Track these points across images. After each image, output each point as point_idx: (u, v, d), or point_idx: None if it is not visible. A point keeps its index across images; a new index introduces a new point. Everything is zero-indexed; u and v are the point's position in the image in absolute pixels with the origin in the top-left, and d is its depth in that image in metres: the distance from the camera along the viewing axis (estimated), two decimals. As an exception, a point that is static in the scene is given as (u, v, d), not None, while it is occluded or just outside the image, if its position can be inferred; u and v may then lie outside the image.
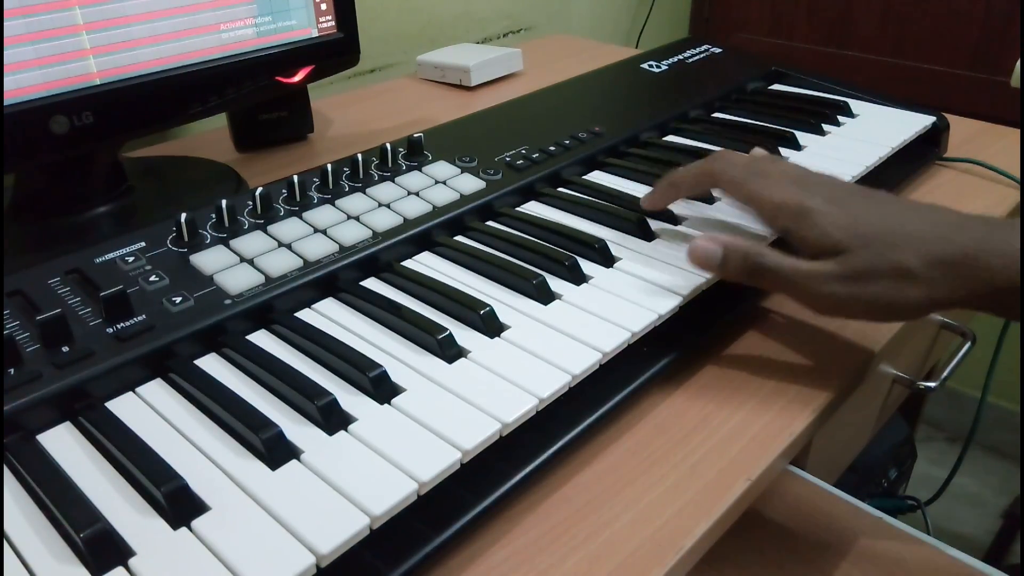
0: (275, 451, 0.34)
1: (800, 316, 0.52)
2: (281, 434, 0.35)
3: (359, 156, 0.55)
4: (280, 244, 0.47)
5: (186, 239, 0.47)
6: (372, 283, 0.48)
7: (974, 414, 0.89)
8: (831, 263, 0.42)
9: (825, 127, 0.69)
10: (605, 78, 0.79)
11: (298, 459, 0.35)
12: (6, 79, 0.49)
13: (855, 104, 0.74)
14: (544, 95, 0.73)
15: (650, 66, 0.81)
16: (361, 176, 0.55)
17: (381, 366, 0.39)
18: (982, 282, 0.39)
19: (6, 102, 0.49)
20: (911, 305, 0.40)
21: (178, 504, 0.32)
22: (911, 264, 0.40)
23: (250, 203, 0.50)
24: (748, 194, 0.47)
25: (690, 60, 0.83)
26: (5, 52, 0.48)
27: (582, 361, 0.40)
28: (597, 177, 0.61)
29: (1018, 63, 1.12)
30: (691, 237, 0.52)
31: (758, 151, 0.55)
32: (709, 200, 0.57)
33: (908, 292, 0.40)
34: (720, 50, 0.86)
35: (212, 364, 0.41)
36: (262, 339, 0.43)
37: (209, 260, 0.45)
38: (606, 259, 0.49)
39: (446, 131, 0.64)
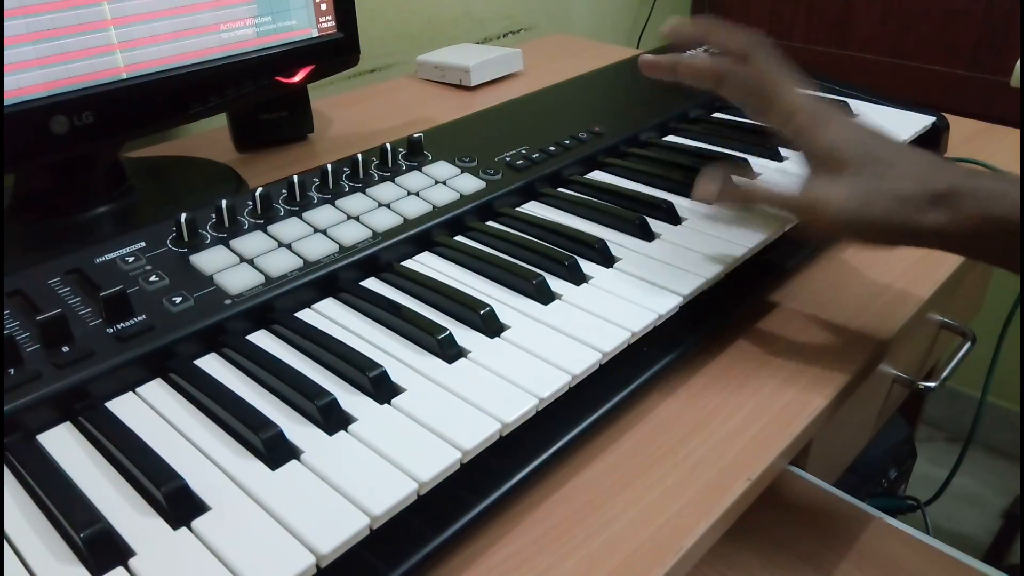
0: (275, 451, 0.34)
1: (800, 317, 0.52)
2: (281, 434, 0.35)
3: (359, 156, 0.55)
4: (280, 244, 0.47)
5: (186, 239, 0.47)
6: (372, 283, 0.48)
7: (974, 414, 0.89)
8: (835, 185, 0.44)
9: (825, 127, 0.69)
10: (605, 78, 0.79)
11: (298, 459, 0.35)
12: (6, 79, 0.49)
13: (855, 104, 0.74)
14: (544, 95, 0.73)
15: (650, 66, 0.81)
16: (361, 176, 0.55)
17: (381, 366, 0.39)
18: (963, 215, 0.41)
19: (6, 102, 0.49)
20: (899, 230, 0.43)
21: (178, 504, 0.32)
22: (906, 189, 0.42)
23: (250, 203, 0.50)
24: (767, 89, 0.48)
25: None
26: (5, 52, 0.48)
27: (582, 361, 0.40)
28: (597, 177, 0.61)
29: (1018, 63, 1.12)
30: (691, 238, 0.52)
31: None
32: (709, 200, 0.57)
33: (900, 217, 0.42)
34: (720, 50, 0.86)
35: (212, 364, 0.41)
36: (262, 339, 0.43)
37: (209, 260, 0.45)
38: (606, 259, 0.49)
39: (446, 131, 0.64)
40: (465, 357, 0.41)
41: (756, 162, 0.63)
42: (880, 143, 0.45)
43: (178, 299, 0.42)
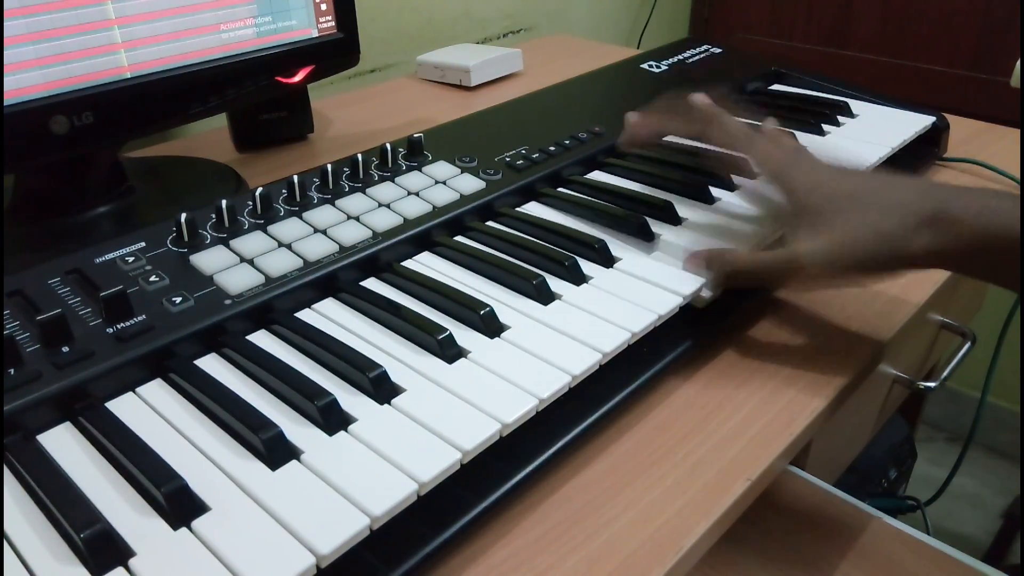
0: (275, 451, 0.34)
1: (800, 317, 0.52)
2: (281, 434, 0.35)
3: (359, 156, 0.55)
4: (280, 244, 0.47)
5: (186, 239, 0.47)
6: (372, 283, 0.48)
7: (974, 414, 0.89)
8: (804, 242, 0.44)
9: (825, 127, 0.69)
10: (605, 78, 0.79)
11: (298, 459, 0.35)
12: (6, 79, 0.49)
13: (855, 104, 0.74)
14: (544, 95, 0.73)
15: (650, 66, 0.81)
16: (361, 176, 0.55)
17: (381, 366, 0.39)
18: (954, 234, 0.41)
19: (6, 102, 0.49)
20: (890, 262, 0.43)
21: (178, 504, 0.32)
22: (889, 222, 0.42)
23: (250, 203, 0.50)
24: (740, 146, 0.50)
25: (690, 60, 0.83)
26: (5, 52, 0.48)
27: (582, 361, 0.40)
28: (597, 177, 0.61)
29: (1018, 63, 1.12)
30: (691, 238, 0.52)
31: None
32: (709, 200, 0.57)
33: (891, 247, 0.42)
34: (720, 50, 0.86)
35: (212, 364, 0.41)
36: (262, 339, 0.43)
37: (209, 260, 0.45)
38: (606, 259, 0.49)
39: (446, 131, 0.64)
40: (465, 357, 0.41)
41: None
42: (855, 181, 0.45)
43: (178, 299, 0.42)
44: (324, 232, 0.49)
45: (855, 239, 0.43)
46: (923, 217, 0.41)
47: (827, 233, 0.43)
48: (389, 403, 0.38)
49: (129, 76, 0.54)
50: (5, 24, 0.48)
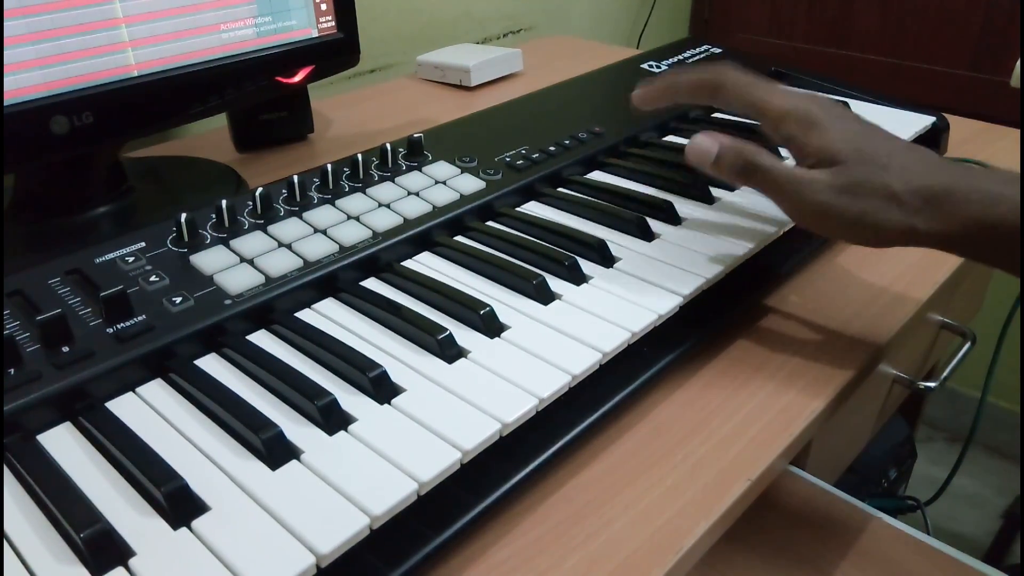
0: (275, 451, 0.34)
1: (800, 317, 0.52)
2: (281, 434, 0.35)
3: (359, 156, 0.55)
4: (280, 244, 0.47)
5: (186, 239, 0.47)
6: (372, 283, 0.48)
7: (974, 414, 0.89)
8: (825, 172, 0.43)
9: (825, 127, 0.69)
10: (605, 78, 0.79)
11: (298, 459, 0.35)
12: (6, 79, 0.49)
13: (855, 104, 0.74)
14: (544, 95, 0.73)
15: (650, 66, 0.81)
16: (361, 176, 0.55)
17: (381, 366, 0.39)
18: (958, 218, 0.41)
19: (6, 102, 0.49)
20: (891, 229, 0.42)
21: (178, 504, 0.32)
22: (897, 188, 0.42)
23: (250, 203, 0.50)
24: (755, 99, 0.48)
25: (690, 60, 0.83)
26: (5, 52, 0.48)
27: (582, 361, 0.40)
28: (597, 177, 0.61)
29: (1018, 63, 1.12)
30: (691, 238, 0.52)
31: None
32: (709, 200, 0.57)
33: (891, 215, 0.42)
34: (720, 50, 0.86)
35: (212, 364, 0.41)
36: (262, 339, 0.43)
37: (209, 260, 0.45)
38: (606, 259, 0.49)
39: (446, 131, 0.64)
40: (465, 357, 0.41)
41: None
42: (875, 140, 0.44)
43: (178, 299, 0.42)
44: (324, 232, 0.49)
45: (858, 193, 0.42)
46: (929, 192, 0.41)
47: (834, 177, 0.43)
48: (389, 403, 0.38)
49: (129, 76, 0.54)
50: (5, 24, 0.48)
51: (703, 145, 0.48)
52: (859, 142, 0.44)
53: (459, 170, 0.56)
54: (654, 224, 0.53)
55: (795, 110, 0.46)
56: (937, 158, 0.44)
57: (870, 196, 0.42)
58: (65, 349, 0.38)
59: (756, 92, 0.48)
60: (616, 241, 0.51)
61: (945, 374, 0.66)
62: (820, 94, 0.48)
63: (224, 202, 0.48)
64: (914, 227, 0.42)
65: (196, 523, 0.32)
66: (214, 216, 0.49)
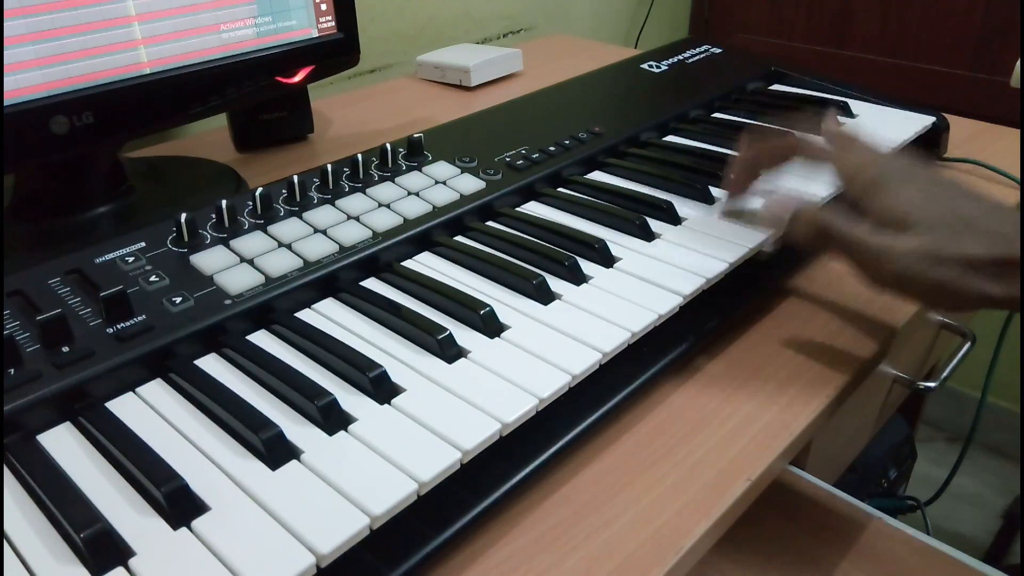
0: (275, 451, 0.34)
1: (800, 317, 0.52)
2: (281, 434, 0.35)
3: (359, 156, 0.55)
4: (280, 244, 0.47)
5: (186, 239, 0.47)
6: (372, 283, 0.48)
7: (974, 414, 0.89)
8: (900, 240, 0.42)
9: (825, 127, 0.69)
10: (605, 78, 0.79)
11: (298, 459, 0.35)
12: (6, 79, 0.49)
13: (855, 104, 0.74)
14: (544, 95, 0.73)
15: (650, 66, 0.81)
16: (361, 176, 0.55)
17: (381, 366, 0.39)
18: None
19: (6, 102, 0.49)
20: (968, 296, 0.41)
21: (178, 504, 0.32)
22: (977, 255, 0.40)
23: (250, 203, 0.50)
24: (831, 157, 0.47)
25: (690, 60, 0.83)
26: (5, 52, 0.48)
27: (582, 361, 0.40)
28: (597, 177, 0.61)
29: (1018, 63, 1.12)
30: (691, 238, 0.52)
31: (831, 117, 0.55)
32: (709, 200, 0.57)
33: (969, 283, 0.41)
34: (720, 50, 0.86)
35: (212, 364, 0.41)
36: (262, 339, 0.43)
37: (209, 260, 0.45)
38: (606, 259, 0.49)
39: (446, 131, 0.64)
40: (465, 357, 0.41)
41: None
42: (950, 204, 0.43)
43: (178, 299, 0.42)
44: (324, 232, 0.49)
45: (937, 262, 0.41)
46: (1004, 260, 0.40)
47: (916, 244, 0.41)
48: (389, 403, 0.38)
49: (129, 76, 0.54)
50: (5, 24, 0.48)
51: (776, 211, 0.47)
52: (930, 206, 0.42)
53: (459, 170, 0.56)
54: (654, 224, 0.53)
55: (863, 171, 0.45)
56: (1013, 215, 0.42)
57: (948, 264, 0.41)
58: (65, 349, 0.38)
59: (826, 153, 0.48)
60: (616, 241, 0.51)
61: (945, 374, 0.66)
62: (894, 152, 0.47)
63: (224, 202, 0.48)
64: (991, 295, 0.40)
65: (196, 523, 0.32)
66: (214, 216, 0.49)
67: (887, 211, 0.43)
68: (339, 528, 0.31)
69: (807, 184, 0.54)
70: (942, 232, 0.41)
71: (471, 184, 0.55)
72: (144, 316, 0.41)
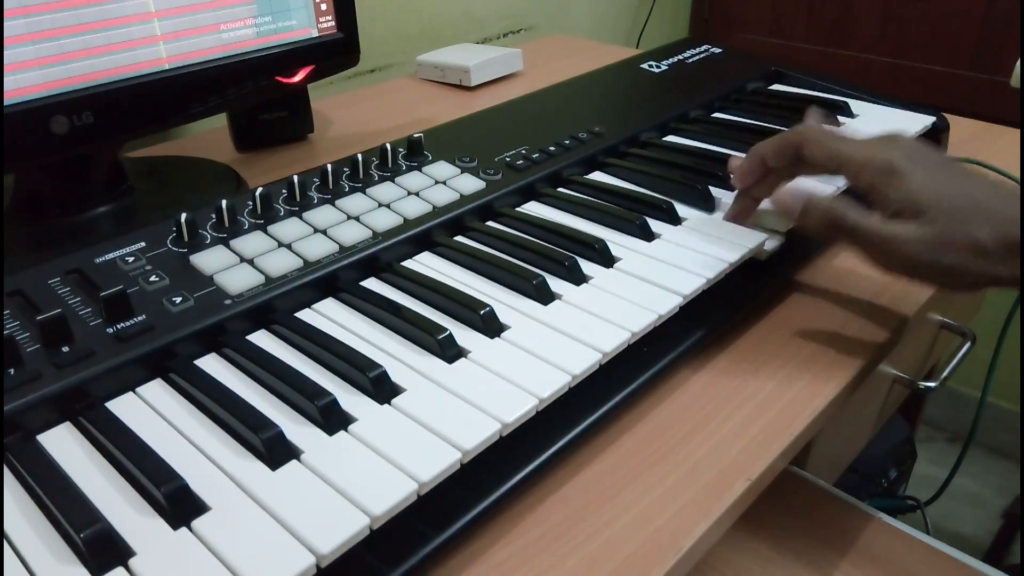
0: (275, 451, 0.34)
1: (799, 317, 0.52)
2: (281, 434, 0.35)
3: (359, 156, 0.55)
4: (280, 244, 0.47)
5: (186, 239, 0.47)
6: (372, 283, 0.48)
7: (974, 414, 0.89)
8: (910, 227, 0.43)
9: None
10: (605, 78, 0.79)
11: (298, 459, 0.35)
12: (6, 79, 0.49)
13: (855, 104, 0.74)
14: (544, 95, 0.73)
15: (650, 66, 0.81)
16: (361, 176, 0.55)
17: (381, 366, 0.39)
18: None
19: (6, 102, 0.49)
20: (978, 279, 0.42)
21: (178, 504, 0.32)
22: (985, 240, 0.41)
23: (250, 203, 0.50)
24: (835, 151, 0.47)
25: (690, 60, 0.83)
26: (5, 52, 0.48)
27: (582, 361, 0.40)
28: (597, 177, 0.61)
29: (1018, 63, 1.12)
30: (691, 238, 0.52)
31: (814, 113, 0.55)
32: (709, 200, 0.57)
33: (979, 266, 0.42)
34: (720, 50, 0.86)
35: (212, 364, 0.41)
36: (262, 339, 0.43)
37: (209, 260, 0.45)
38: (606, 259, 0.49)
39: (446, 131, 0.64)
40: (465, 357, 0.41)
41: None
42: (956, 186, 0.43)
43: (178, 299, 0.42)
44: (324, 232, 0.49)
45: (946, 247, 0.42)
46: (1015, 242, 0.40)
47: (924, 231, 0.42)
48: (389, 403, 0.38)
49: (129, 76, 0.54)
50: (5, 24, 0.48)
51: (787, 202, 0.48)
52: (940, 191, 0.43)
53: (459, 170, 0.56)
54: (654, 224, 0.53)
55: (874, 159, 0.45)
56: (1010, 193, 0.43)
57: (957, 249, 0.42)
58: (65, 349, 0.38)
59: (836, 144, 0.47)
60: (616, 241, 0.51)
61: (945, 374, 0.66)
62: (901, 137, 0.47)
63: (224, 202, 0.48)
64: (999, 276, 0.41)
65: (196, 523, 0.32)
66: (214, 216, 0.49)
67: (903, 199, 0.44)
68: (339, 528, 0.31)
69: (816, 177, 0.54)
70: (951, 218, 0.42)
71: (471, 184, 0.55)
72: (144, 316, 0.41)
